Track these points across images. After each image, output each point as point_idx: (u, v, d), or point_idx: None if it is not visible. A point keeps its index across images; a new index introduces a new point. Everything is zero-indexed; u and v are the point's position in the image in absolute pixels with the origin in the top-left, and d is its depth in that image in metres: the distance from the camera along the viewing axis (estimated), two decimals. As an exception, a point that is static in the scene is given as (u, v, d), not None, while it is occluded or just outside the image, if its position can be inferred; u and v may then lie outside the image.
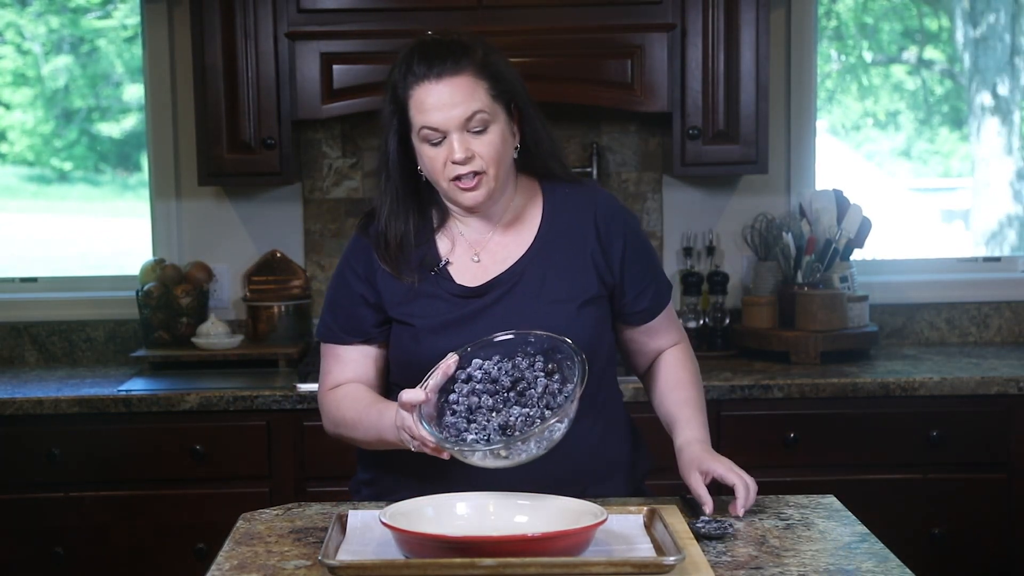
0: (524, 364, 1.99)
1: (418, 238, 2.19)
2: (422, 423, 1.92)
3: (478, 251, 2.19)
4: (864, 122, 4.54)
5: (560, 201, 2.22)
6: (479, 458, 1.89)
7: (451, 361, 1.98)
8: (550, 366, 2.00)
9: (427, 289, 2.17)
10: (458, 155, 2.07)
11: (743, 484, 2.08)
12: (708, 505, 2.06)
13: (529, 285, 2.16)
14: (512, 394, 1.97)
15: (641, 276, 2.24)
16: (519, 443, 1.88)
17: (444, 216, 2.22)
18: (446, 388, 1.99)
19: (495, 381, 1.98)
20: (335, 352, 2.24)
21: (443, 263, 2.18)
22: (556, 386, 1.98)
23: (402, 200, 2.18)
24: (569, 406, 1.90)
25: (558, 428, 1.90)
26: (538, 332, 2.01)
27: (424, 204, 2.20)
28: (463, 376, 2.00)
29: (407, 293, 2.17)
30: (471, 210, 2.16)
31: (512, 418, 1.92)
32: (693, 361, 2.37)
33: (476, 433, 1.92)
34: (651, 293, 2.26)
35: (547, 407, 1.95)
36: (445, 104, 2.06)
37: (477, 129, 2.07)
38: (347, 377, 2.23)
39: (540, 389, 1.96)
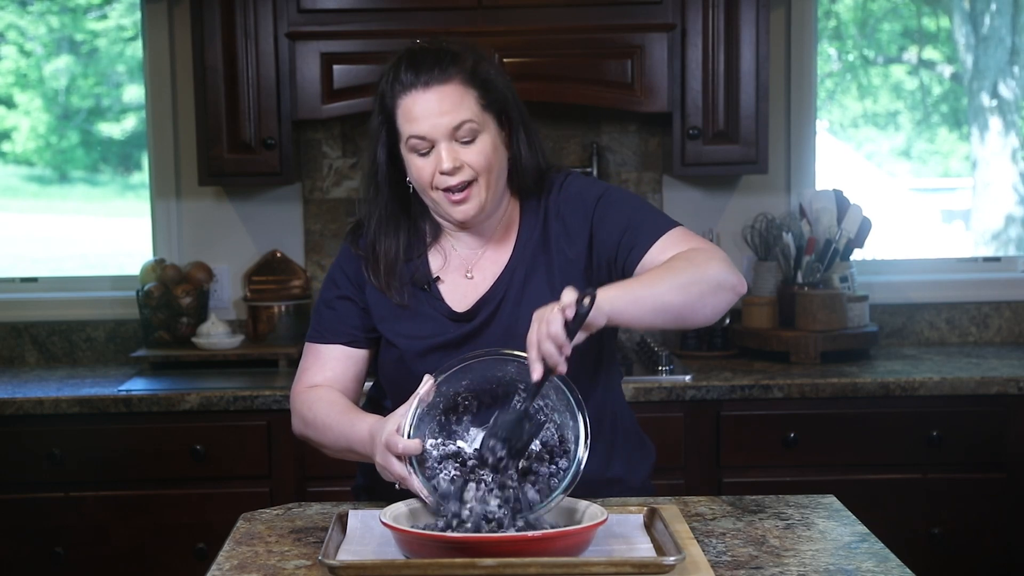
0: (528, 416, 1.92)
1: (409, 253, 2.15)
2: (419, 479, 1.88)
3: (470, 268, 2.16)
4: (864, 122, 4.54)
5: (532, 212, 2.16)
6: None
7: (428, 386, 1.92)
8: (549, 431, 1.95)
9: (416, 307, 2.14)
10: (446, 164, 2.02)
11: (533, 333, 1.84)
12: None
13: (509, 305, 2.11)
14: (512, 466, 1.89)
15: (619, 233, 2.09)
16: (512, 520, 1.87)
17: (437, 230, 2.18)
18: (431, 416, 1.94)
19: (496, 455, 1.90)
20: (316, 351, 2.20)
21: (434, 280, 2.15)
22: (553, 432, 1.94)
23: (392, 215, 2.13)
24: (566, 491, 1.89)
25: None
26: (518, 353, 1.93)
27: (416, 218, 2.16)
28: (466, 440, 1.94)
29: (396, 309, 2.14)
30: (463, 225, 2.12)
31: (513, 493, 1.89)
32: (687, 258, 1.98)
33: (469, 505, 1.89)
34: (631, 240, 2.07)
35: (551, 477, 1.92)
36: (432, 112, 2.01)
37: (466, 139, 2.03)
38: (325, 378, 2.18)
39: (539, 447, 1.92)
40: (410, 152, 2.06)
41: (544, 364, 1.82)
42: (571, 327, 1.80)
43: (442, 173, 2.03)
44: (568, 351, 1.81)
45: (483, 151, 2.04)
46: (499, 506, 1.85)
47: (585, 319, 1.81)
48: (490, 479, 1.86)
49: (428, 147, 2.03)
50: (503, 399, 1.95)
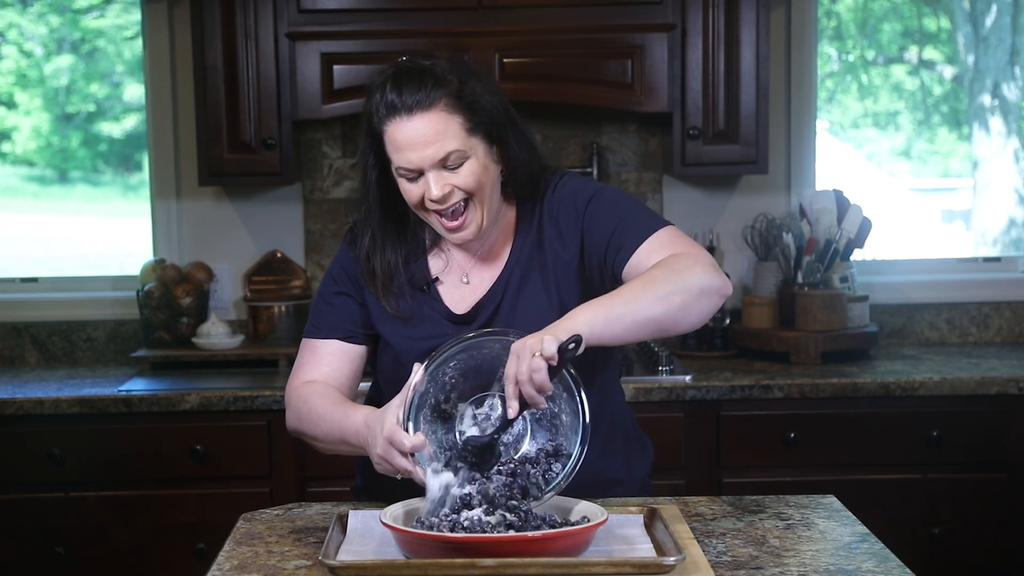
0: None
1: (408, 256, 2.17)
2: (423, 470, 1.89)
3: (468, 272, 2.17)
4: (864, 122, 4.54)
5: (528, 215, 2.17)
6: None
7: (419, 375, 1.92)
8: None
9: (415, 309, 2.15)
10: (435, 193, 2.03)
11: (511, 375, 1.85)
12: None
13: (507, 308, 2.13)
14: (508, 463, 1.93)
15: (607, 234, 2.09)
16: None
17: (436, 235, 2.18)
18: (425, 403, 1.95)
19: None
20: (312, 346, 2.21)
21: (433, 281, 2.16)
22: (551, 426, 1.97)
23: (388, 233, 2.15)
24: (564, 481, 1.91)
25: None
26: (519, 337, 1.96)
27: (414, 225, 2.17)
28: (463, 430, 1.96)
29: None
30: (460, 244, 2.14)
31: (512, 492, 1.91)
32: (668, 265, 1.97)
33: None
34: (620, 241, 2.07)
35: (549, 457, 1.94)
36: (417, 143, 2.01)
37: (454, 166, 2.03)
38: (321, 373, 2.18)
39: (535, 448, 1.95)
40: (400, 177, 2.07)
41: (520, 402, 1.85)
42: (554, 370, 1.83)
43: (432, 200, 2.04)
44: (550, 392, 1.84)
45: (472, 173, 2.04)
46: (501, 507, 1.86)
47: (570, 361, 1.84)
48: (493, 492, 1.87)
49: (416, 175, 2.04)
50: (488, 374, 1.97)
